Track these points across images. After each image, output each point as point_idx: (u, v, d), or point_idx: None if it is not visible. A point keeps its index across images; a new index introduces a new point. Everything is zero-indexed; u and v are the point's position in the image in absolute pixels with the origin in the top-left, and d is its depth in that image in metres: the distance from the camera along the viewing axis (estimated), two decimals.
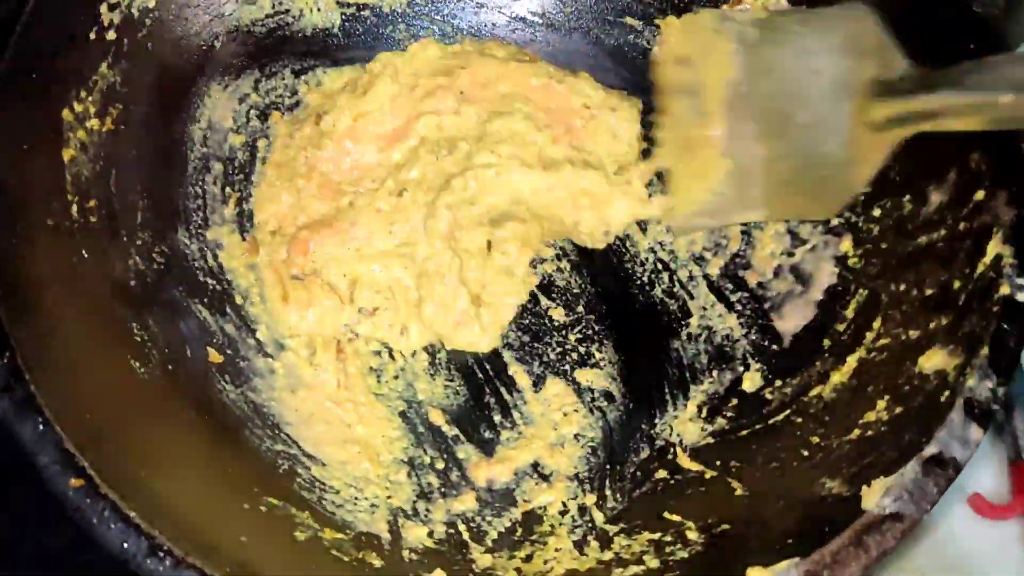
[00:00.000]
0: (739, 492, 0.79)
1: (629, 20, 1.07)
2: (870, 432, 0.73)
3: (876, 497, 0.64)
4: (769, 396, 0.88)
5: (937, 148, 0.81)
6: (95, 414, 0.69)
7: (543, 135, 0.99)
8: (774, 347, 0.92)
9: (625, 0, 1.07)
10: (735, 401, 0.90)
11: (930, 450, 0.65)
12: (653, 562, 0.74)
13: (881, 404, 0.73)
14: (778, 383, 0.88)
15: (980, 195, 0.75)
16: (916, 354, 0.73)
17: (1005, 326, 0.68)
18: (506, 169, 0.97)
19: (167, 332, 0.84)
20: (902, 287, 0.81)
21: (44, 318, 0.72)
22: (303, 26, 1.03)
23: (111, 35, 0.85)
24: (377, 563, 0.76)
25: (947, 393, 0.67)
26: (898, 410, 0.71)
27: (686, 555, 0.73)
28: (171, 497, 0.68)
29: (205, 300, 0.91)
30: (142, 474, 0.68)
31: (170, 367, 0.82)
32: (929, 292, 0.77)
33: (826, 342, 0.87)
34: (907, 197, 0.84)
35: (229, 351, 0.90)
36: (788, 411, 0.84)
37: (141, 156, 0.88)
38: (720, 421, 0.89)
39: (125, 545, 0.62)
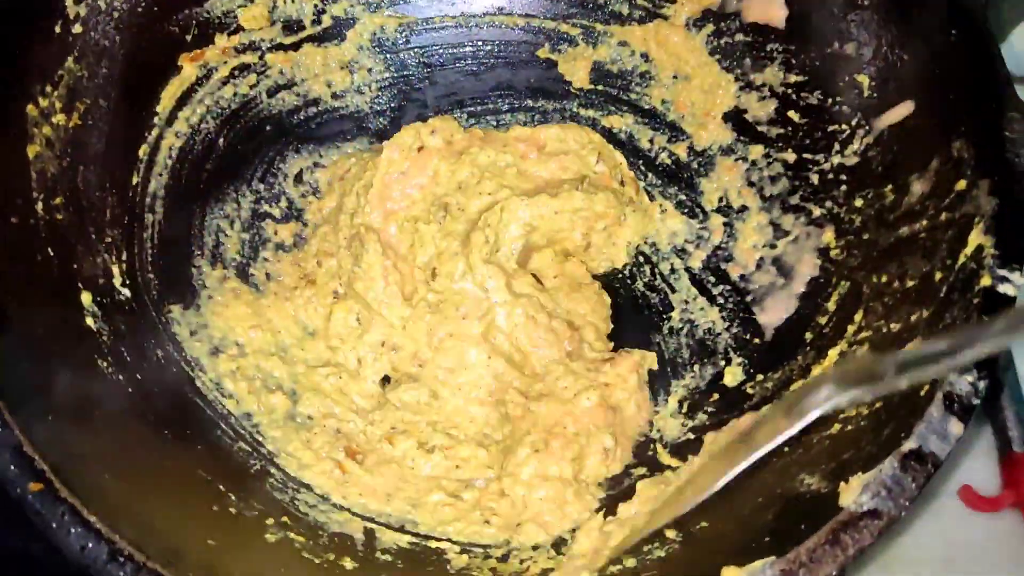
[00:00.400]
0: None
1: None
2: (849, 427, 0.71)
3: (854, 494, 0.63)
4: (750, 391, 0.87)
5: (920, 136, 0.81)
6: (57, 416, 0.67)
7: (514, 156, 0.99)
8: (756, 341, 0.91)
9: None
10: (716, 396, 0.89)
11: (908, 445, 0.63)
12: (630, 561, 0.72)
13: None
14: (759, 377, 0.87)
15: (962, 184, 0.74)
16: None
17: (986, 318, 0.67)
18: (510, 205, 0.94)
19: (137, 332, 0.83)
20: (884, 279, 0.79)
21: (5, 317, 0.70)
22: None
23: (77, 28, 0.83)
24: (349, 565, 0.74)
25: (927, 387, 0.66)
26: (878, 404, 0.69)
27: (663, 554, 0.72)
28: (135, 501, 0.66)
29: (176, 299, 0.89)
30: (105, 477, 0.66)
31: (140, 366, 0.81)
32: (911, 284, 0.76)
33: (808, 335, 0.86)
34: (889, 187, 0.83)
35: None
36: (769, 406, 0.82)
37: (110, 152, 0.87)
38: (701, 416, 0.88)
39: (85, 551, 0.61)
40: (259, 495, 0.78)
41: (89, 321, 0.79)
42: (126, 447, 0.73)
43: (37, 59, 0.81)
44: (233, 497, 0.75)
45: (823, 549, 0.61)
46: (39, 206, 0.78)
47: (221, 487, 0.77)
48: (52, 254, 0.78)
